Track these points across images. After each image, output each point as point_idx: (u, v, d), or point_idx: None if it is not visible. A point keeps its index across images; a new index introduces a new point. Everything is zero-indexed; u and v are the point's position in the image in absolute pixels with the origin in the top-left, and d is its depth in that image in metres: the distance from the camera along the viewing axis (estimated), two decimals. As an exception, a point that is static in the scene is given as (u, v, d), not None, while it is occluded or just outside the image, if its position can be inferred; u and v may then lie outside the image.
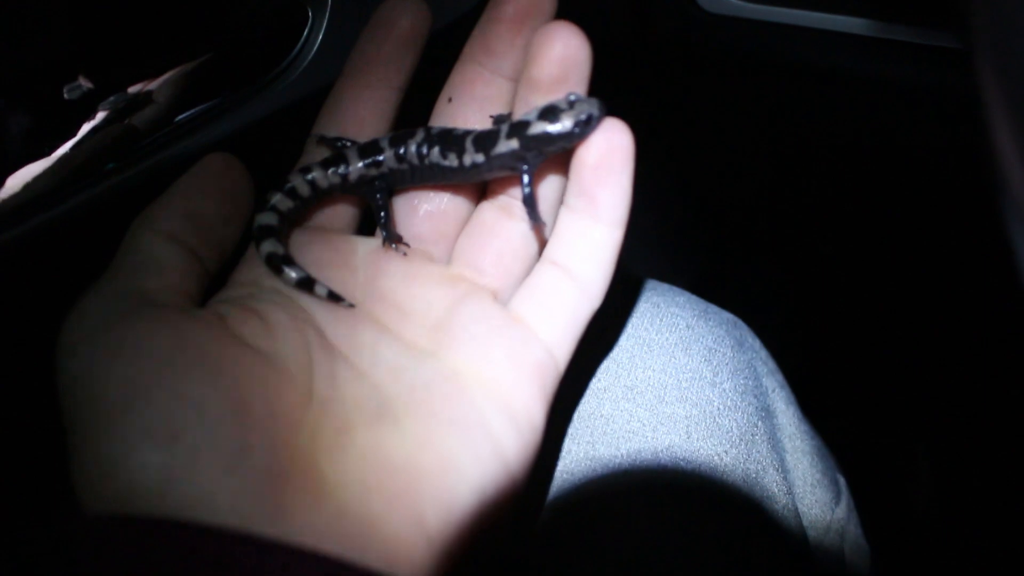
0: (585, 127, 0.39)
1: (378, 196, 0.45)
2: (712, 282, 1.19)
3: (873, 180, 0.99)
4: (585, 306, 0.43)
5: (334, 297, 0.42)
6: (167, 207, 0.39)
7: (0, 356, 0.50)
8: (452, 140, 0.42)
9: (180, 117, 0.47)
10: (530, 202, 0.42)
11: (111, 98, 0.43)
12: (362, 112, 0.45)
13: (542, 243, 0.44)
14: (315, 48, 0.52)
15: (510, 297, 0.44)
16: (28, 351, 0.49)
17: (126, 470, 0.31)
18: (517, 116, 0.42)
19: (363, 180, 0.44)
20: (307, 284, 0.41)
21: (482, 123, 0.45)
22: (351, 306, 0.42)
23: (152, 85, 0.45)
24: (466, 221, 0.47)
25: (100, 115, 0.43)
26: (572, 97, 0.40)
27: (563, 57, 0.40)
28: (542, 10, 0.42)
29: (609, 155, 0.40)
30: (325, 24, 0.52)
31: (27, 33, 0.39)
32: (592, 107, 0.39)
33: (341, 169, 0.44)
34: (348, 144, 0.45)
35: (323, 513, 0.33)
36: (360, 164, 0.44)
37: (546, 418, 0.42)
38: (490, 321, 0.42)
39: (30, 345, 0.48)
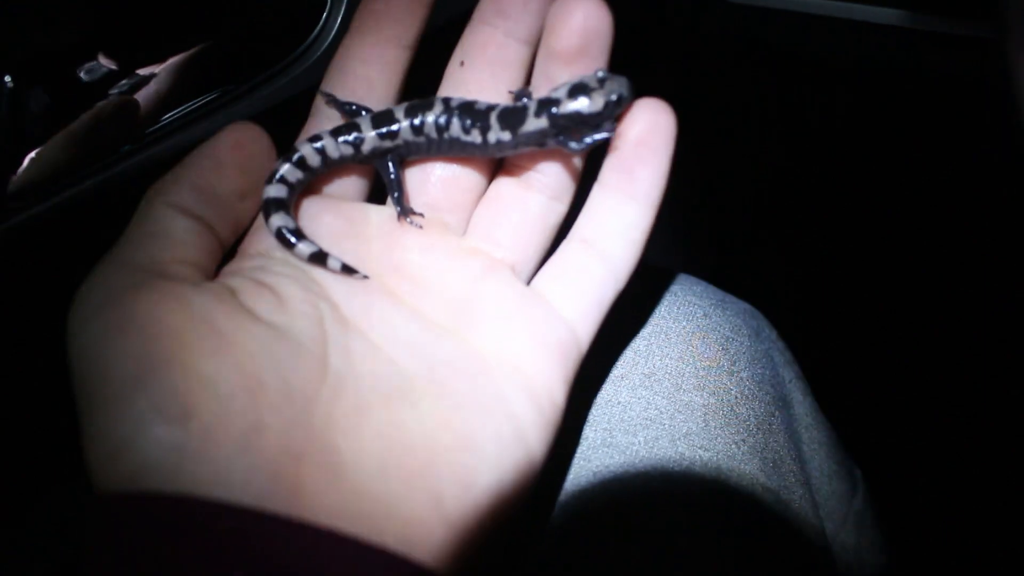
0: (616, 107, 0.39)
1: (390, 167, 0.43)
2: (729, 272, 1.19)
3: (892, 170, 0.98)
4: (611, 286, 0.42)
5: (348, 270, 0.41)
6: (181, 179, 0.39)
7: (15, 337, 0.50)
8: (475, 114, 0.41)
9: (197, 100, 0.47)
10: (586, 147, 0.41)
11: (128, 79, 0.43)
12: (371, 73, 0.44)
13: None
14: (334, 31, 0.52)
15: (530, 272, 0.44)
16: (41, 332, 0.49)
17: (139, 448, 0.31)
18: (544, 92, 0.41)
19: (376, 151, 0.43)
20: (319, 258, 0.40)
21: (496, 89, 0.44)
22: (365, 277, 0.41)
23: (169, 66, 0.44)
24: (481, 191, 0.46)
25: (116, 95, 0.43)
26: (600, 74, 0.39)
27: (584, 28, 0.39)
28: None
29: (653, 133, 0.40)
30: (344, 6, 0.52)
31: (48, 12, 0.39)
32: (622, 86, 0.39)
33: (353, 138, 0.42)
34: (361, 110, 0.43)
35: (339, 493, 0.33)
36: (374, 134, 0.42)
37: (567, 398, 0.41)
38: (512, 298, 0.41)
39: (43, 326, 0.48)
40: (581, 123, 0.40)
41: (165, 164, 0.43)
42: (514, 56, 0.43)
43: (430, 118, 0.42)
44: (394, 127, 0.42)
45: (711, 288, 0.60)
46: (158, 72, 0.44)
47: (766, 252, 1.28)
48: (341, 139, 0.42)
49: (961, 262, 1.04)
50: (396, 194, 0.43)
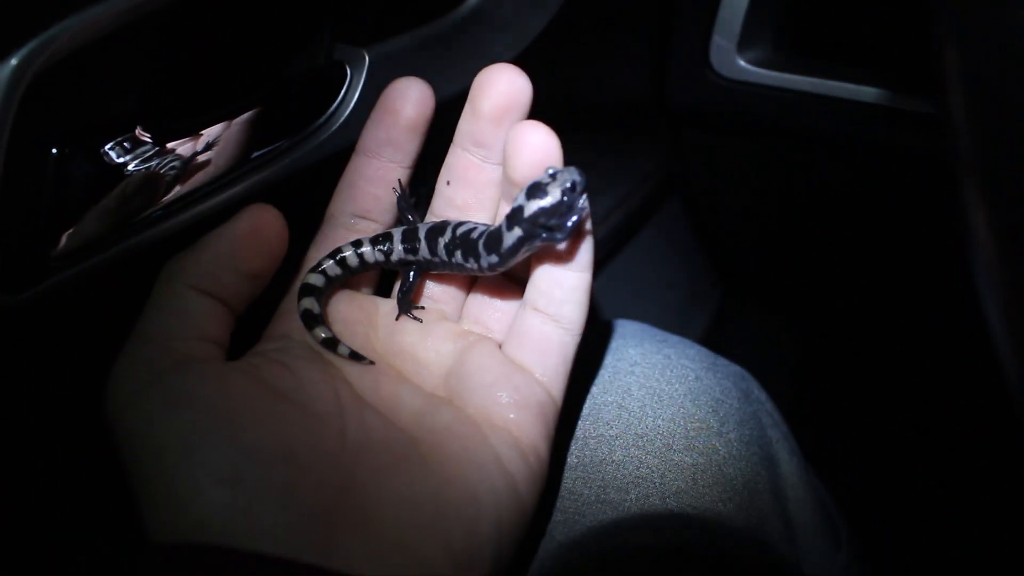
0: (572, 192, 0.43)
1: (411, 275, 0.51)
2: (720, 332, 1.21)
3: (879, 241, 1.01)
4: (571, 343, 0.48)
5: (356, 356, 0.47)
6: (200, 261, 0.44)
7: (42, 397, 0.53)
8: (470, 245, 0.47)
9: (222, 169, 0.49)
10: (572, 235, 0.45)
11: (159, 150, 0.45)
12: (377, 191, 0.51)
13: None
14: (352, 104, 0.55)
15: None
16: (69, 392, 0.52)
17: (196, 507, 0.36)
18: (508, 207, 0.46)
19: (402, 262, 0.50)
20: (332, 344, 0.47)
21: (480, 205, 0.50)
22: (371, 363, 0.47)
23: (197, 139, 0.47)
24: (472, 281, 0.53)
25: (149, 166, 0.45)
26: (551, 171, 0.44)
27: (536, 160, 0.44)
28: (518, 105, 0.46)
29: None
30: (363, 80, 0.55)
31: (97, 86, 0.42)
32: (573, 174, 0.44)
33: (386, 248, 0.50)
34: (409, 215, 0.51)
35: (365, 544, 0.38)
36: (401, 247, 0.49)
37: (550, 450, 0.47)
38: (495, 369, 0.47)
39: (71, 386, 0.51)
40: (550, 216, 0.43)
41: (190, 231, 0.46)
42: (492, 177, 0.49)
43: (441, 245, 0.48)
44: (417, 244, 0.49)
45: (704, 351, 0.63)
46: (183, 146, 0.46)
47: (757, 314, 1.30)
48: (377, 247, 0.50)
49: (948, 327, 1.06)
50: (403, 294, 0.51)
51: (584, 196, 0.45)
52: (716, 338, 1.19)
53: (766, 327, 1.30)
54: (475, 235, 0.47)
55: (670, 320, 1.12)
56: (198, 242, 0.45)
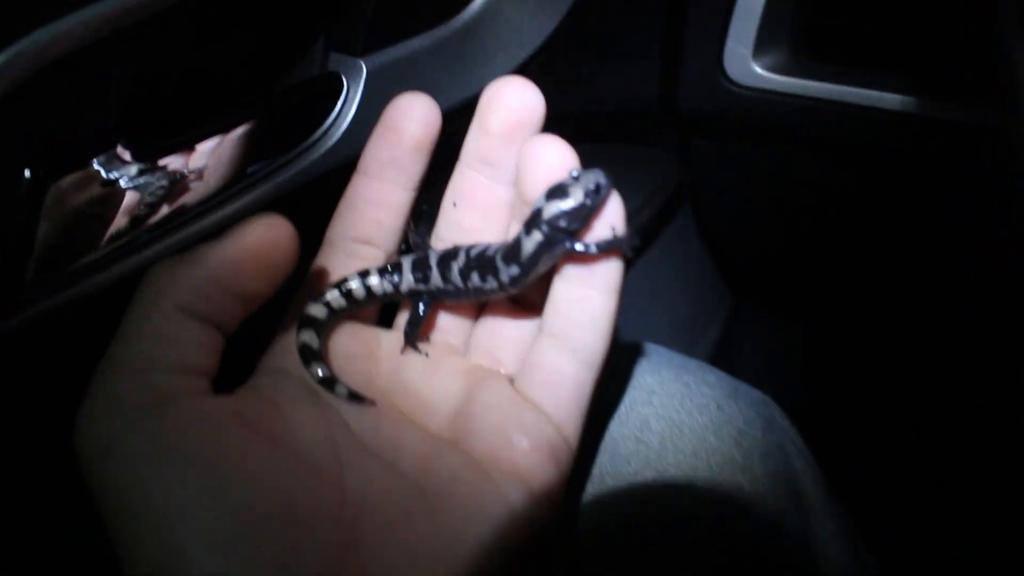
0: (596, 195, 0.40)
1: (421, 307, 0.47)
2: (730, 342, 1.19)
3: (894, 249, 0.99)
4: (588, 378, 0.43)
5: (355, 397, 0.43)
6: (194, 277, 0.37)
7: (24, 430, 0.49)
8: (486, 263, 0.43)
9: (215, 187, 0.47)
10: (602, 247, 0.41)
11: (145, 169, 0.42)
12: (379, 214, 0.47)
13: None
14: (349, 117, 0.52)
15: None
16: (49, 425, 0.49)
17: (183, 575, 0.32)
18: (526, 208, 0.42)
19: (412, 292, 0.47)
20: (329, 383, 0.43)
21: (489, 228, 0.46)
22: (372, 404, 0.43)
23: (187, 155, 0.44)
24: (479, 310, 0.49)
25: (136, 186, 0.42)
26: (574, 172, 0.40)
27: (553, 177, 0.40)
28: (530, 121, 0.43)
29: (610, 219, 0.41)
30: (360, 92, 0.52)
31: (75, 105, 0.39)
32: (598, 176, 0.40)
33: (395, 279, 0.46)
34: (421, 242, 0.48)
35: None
36: (411, 277, 0.46)
37: (564, 492, 0.43)
38: (505, 409, 0.43)
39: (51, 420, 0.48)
40: (572, 220, 0.40)
41: (182, 252, 0.43)
42: (501, 198, 0.46)
43: (455, 270, 0.44)
44: (429, 272, 0.45)
45: (724, 377, 0.60)
46: (169, 164, 0.43)
47: (772, 327, 1.28)
48: (385, 278, 0.46)
49: (958, 328, 1.04)
50: (411, 327, 0.47)
51: (617, 205, 0.41)
52: (726, 349, 1.17)
53: (777, 335, 1.29)
54: (491, 252, 0.44)
55: (679, 332, 1.10)
56: (190, 255, 0.38)
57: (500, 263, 0.43)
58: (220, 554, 0.32)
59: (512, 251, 0.42)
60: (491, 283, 0.43)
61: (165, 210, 0.44)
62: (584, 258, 0.41)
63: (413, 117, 0.45)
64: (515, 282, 0.43)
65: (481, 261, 0.44)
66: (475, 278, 0.44)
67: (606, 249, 0.41)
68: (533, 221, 0.41)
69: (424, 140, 0.45)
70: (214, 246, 0.38)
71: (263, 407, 0.40)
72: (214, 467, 0.35)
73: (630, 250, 0.42)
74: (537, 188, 0.41)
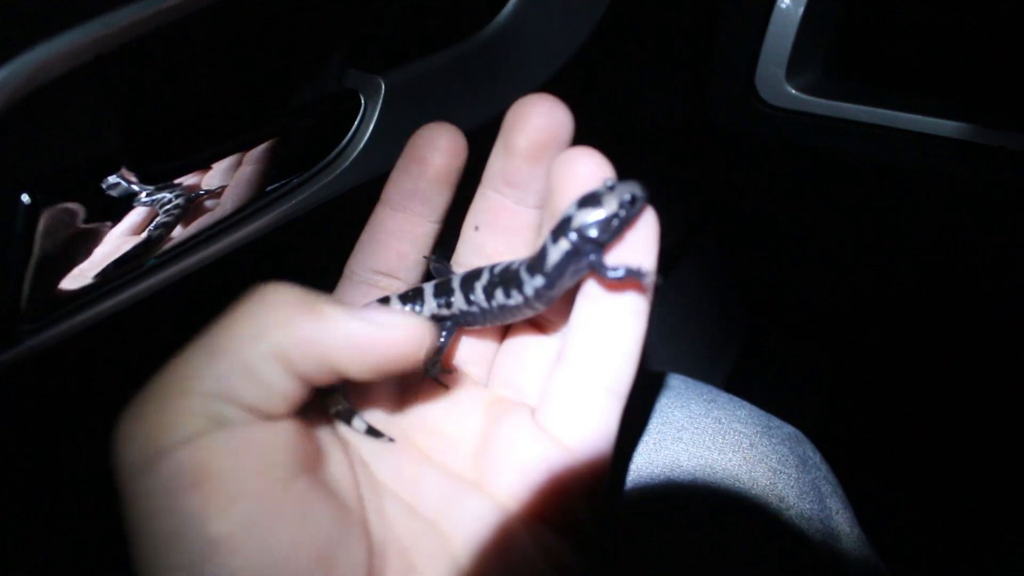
0: (630, 208, 0.37)
1: (443, 334, 0.44)
2: (751, 364, 1.17)
3: (923, 272, 0.97)
4: (616, 408, 0.40)
5: (373, 432, 0.41)
6: (304, 334, 0.33)
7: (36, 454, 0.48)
8: (510, 277, 0.40)
9: (227, 211, 0.45)
10: (628, 275, 0.38)
11: (153, 191, 0.40)
12: (403, 246, 0.45)
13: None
14: (367, 135, 0.51)
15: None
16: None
17: None
18: (556, 220, 0.39)
19: (435, 318, 0.44)
20: (347, 416, 0.41)
21: (511, 252, 0.44)
22: (391, 440, 0.41)
23: (200, 177, 0.43)
24: (501, 339, 0.46)
25: (142, 210, 0.40)
26: (609, 183, 0.37)
27: (585, 188, 0.38)
28: (558, 141, 0.40)
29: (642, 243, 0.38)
30: (378, 110, 0.51)
31: (77, 125, 0.37)
32: (634, 188, 0.37)
33: (417, 306, 0.44)
34: (444, 269, 0.46)
35: None
36: (433, 303, 0.43)
37: (597, 524, 0.40)
38: (528, 447, 0.40)
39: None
40: (602, 231, 0.37)
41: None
42: (525, 221, 0.43)
43: (479, 289, 0.42)
44: (452, 297, 0.43)
45: (756, 411, 0.57)
46: (183, 186, 0.42)
47: (796, 351, 1.26)
48: (407, 305, 0.44)
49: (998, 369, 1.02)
50: (433, 358, 0.44)
51: (652, 221, 0.38)
52: (746, 371, 1.16)
53: (796, 357, 1.26)
54: (515, 266, 0.41)
55: (700, 355, 1.08)
56: (314, 301, 0.33)
57: (524, 274, 0.40)
58: None
59: (537, 261, 0.39)
60: (516, 298, 0.40)
61: (179, 231, 0.42)
62: (608, 282, 0.38)
63: (438, 148, 0.43)
64: (540, 295, 0.40)
65: (505, 276, 0.41)
66: (499, 295, 0.41)
67: (632, 278, 0.38)
68: (561, 229, 0.38)
69: (449, 171, 0.44)
70: (347, 313, 0.34)
71: (302, 441, 0.36)
72: (263, 511, 0.31)
73: (652, 286, 0.38)
74: (569, 200, 0.38)
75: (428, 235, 0.46)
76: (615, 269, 0.37)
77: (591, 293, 0.39)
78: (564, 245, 0.38)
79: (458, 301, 0.43)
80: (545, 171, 0.40)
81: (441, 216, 0.46)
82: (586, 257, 0.38)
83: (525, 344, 0.45)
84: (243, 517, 0.31)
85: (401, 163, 0.44)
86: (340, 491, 0.36)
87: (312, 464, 0.35)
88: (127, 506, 0.31)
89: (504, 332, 0.47)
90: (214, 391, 0.32)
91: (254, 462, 0.32)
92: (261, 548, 0.30)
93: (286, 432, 0.34)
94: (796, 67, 0.71)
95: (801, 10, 0.68)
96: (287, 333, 0.32)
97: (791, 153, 0.78)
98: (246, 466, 0.32)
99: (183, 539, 0.30)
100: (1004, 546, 1.04)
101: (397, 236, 0.45)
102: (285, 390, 0.33)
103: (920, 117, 0.67)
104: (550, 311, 0.43)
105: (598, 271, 0.38)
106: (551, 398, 0.41)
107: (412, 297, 0.44)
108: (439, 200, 0.45)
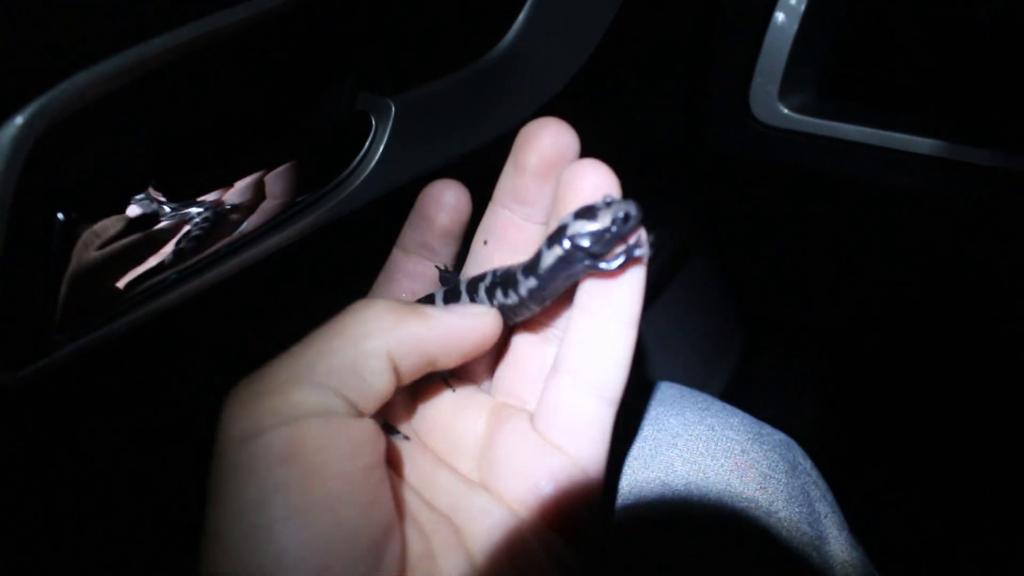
0: (623, 224, 0.39)
1: None
2: (746, 375, 1.18)
3: (922, 291, 0.98)
4: (608, 415, 0.43)
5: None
6: (415, 333, 0.38)
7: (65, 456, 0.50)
8: (509, 277, 0.43)
9: (243, 227, 0.47)
10: (624, 261, 0.40)
11: (178, 208, 0.43)
12: (415, 286, 0.51)
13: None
14: (377, 156, 0.52)
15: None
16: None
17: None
18: (552, 227, 0.42)
19: None
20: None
21: None
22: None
23: (221, 195, 0.45)
24: (503, 348, 0.48)
25: (169, 224, 0.43)
26: (608, 198, 0.40)
27: (588, 198, 0.41)
28: (566, 160, 0.43)
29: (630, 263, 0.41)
30: (388, 131, 0.53)
31: (109, 147, 0.39)
32: (630, 206, 0.39)
33: None
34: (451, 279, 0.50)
35: None
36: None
37: (594, 525, 0.43)
38: (528, 452, 0.43)
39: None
40: (594, 242, 0.40)
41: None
42: (533, 236, 0.46)
43: (482, 291, 0.44)
44: (459, 300, 0.46)
45: (748, 419, 0.60)
46: (199, 205, 0.44)
47: (789, 362, 1.27)
48: None
49: (991, 382, 1.03)
50: None
51: (644, 237, 0.41)
52: (742, 381, 1.16)
53: (791, 367, 1.28)
54: (515, 268, 0.43)
55: (697, 365, 1.09)
56: (417, 308, 0.40)
57: (520, 275, 0.42)
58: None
59: (532, 263, 0.42)
60: (512, 297, 0.43)
61: (193, 251, 0.44)
62: (603, 274, 0.41)
63: (443, 206, 0.48)
64: (533, 296, 0.42)
65: (505, 277, 0.44)
66: (499, 294, 0.44)
67: (624, 263, 0.40)
68: (556, 236, 0.41)
69: (453, 228, 0.49)
70: (442, 311, 0.40)
71: (381, 440, 0.39)
72: (340, 484, 0.35)
73: (646, 253, 0.41)
74: (570, 208, 0.41)
75: (438, 274, 0.51)
76: (609, 263, 0.40)
77: (585, 304, 0.42)
78: (557, 251, 0.40)
79: (465, 302, 0.45)
80: (552, 189, 0.43)
81: (450, 262, 0.50)
82: (578, 264, 0.40)
83: (525, 353, 0.48)
84: (323, 494, 0.34)
85: (412, 216, 0.49)
86: (394, 486, 0.39)
87: (383, 459, 0.38)
88: (222, 474, 0.34)
89: (505, 341, 0.49)
90: (324, 383, 0.36)
91: (343, 448, 0.35)
92: (330, 525, 0.33)
93: (370, 427, 0.37)
94: (789, 87, 0.73)
95: (795, 27, 0.70)
96: (396, 333, 0.38)
97: (786, 171, 0.80)
98: (335, 450, 0.35)
99: (265, 505, 0.33)
100: (999, 551, 1.05)
101: (411, 276, 0.50)
102: (381, 387, 0.38)
103: (910, 137, 0.69)
104: (549, 319, 0.46)
105: (594, 269, 0.41)
106: (547, 404, 0.44)
107: (425, 302, 0.47)
108: (446, 251, 0.50)
